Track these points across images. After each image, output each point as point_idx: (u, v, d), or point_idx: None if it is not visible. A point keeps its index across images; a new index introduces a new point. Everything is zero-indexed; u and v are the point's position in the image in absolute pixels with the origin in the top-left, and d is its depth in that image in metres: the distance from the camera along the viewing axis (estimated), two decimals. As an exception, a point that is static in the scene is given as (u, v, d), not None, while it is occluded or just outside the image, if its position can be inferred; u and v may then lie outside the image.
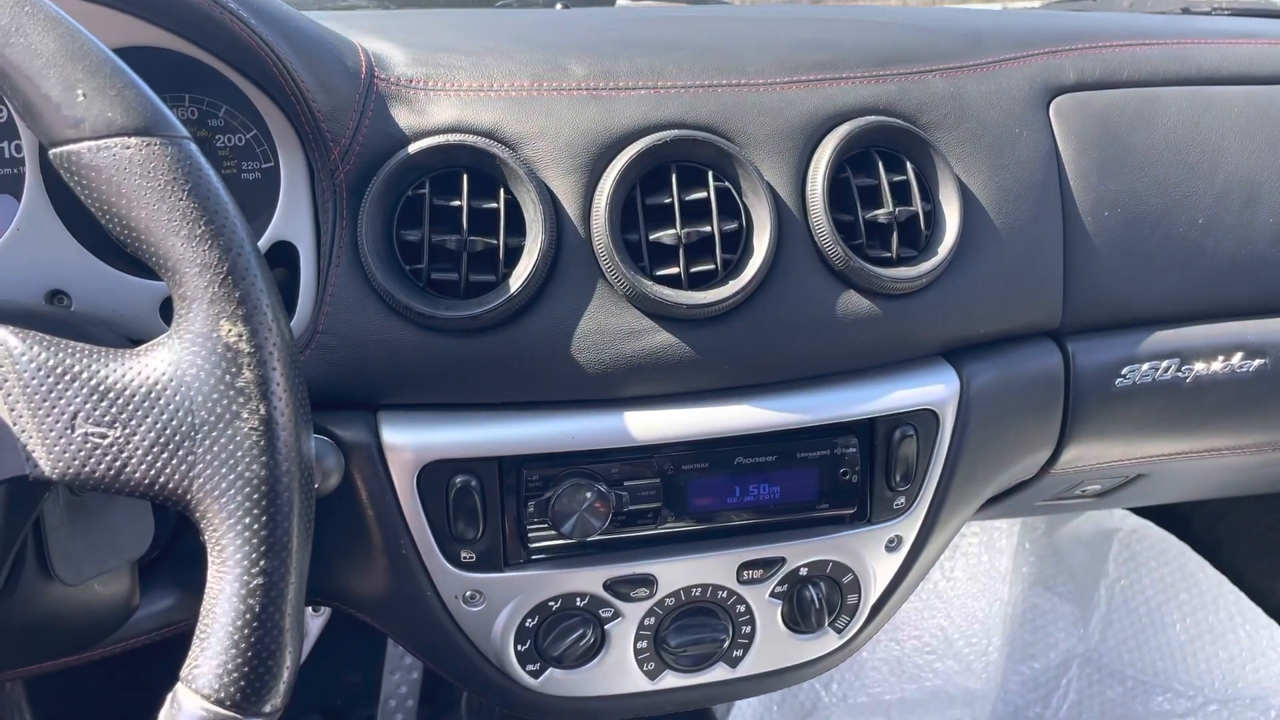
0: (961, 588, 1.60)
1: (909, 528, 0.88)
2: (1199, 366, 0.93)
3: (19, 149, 0.79)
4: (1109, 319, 0.91)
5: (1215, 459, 1.02)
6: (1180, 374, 0.93)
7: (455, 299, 0.75)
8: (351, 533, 0.79)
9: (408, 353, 0.75)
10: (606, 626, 0.84)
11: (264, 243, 0.78)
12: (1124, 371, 0.92)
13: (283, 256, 0.78)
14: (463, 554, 0.79)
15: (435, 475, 0.77)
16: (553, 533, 0.80)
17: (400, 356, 0.75)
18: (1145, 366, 0.92)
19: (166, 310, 0.77)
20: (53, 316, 0.68)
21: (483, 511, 0.78)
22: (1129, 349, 0.92)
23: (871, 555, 0.87)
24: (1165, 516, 1.55)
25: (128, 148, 0.48)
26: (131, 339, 0.75)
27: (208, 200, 0.49)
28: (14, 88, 0.48)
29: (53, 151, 0.49)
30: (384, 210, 0.75)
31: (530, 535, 0.80)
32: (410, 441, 0.76)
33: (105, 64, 0.49)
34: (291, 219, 0.77)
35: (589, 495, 0.78)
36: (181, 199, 0.48)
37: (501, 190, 0.76)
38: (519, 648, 0.84)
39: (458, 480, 0.77)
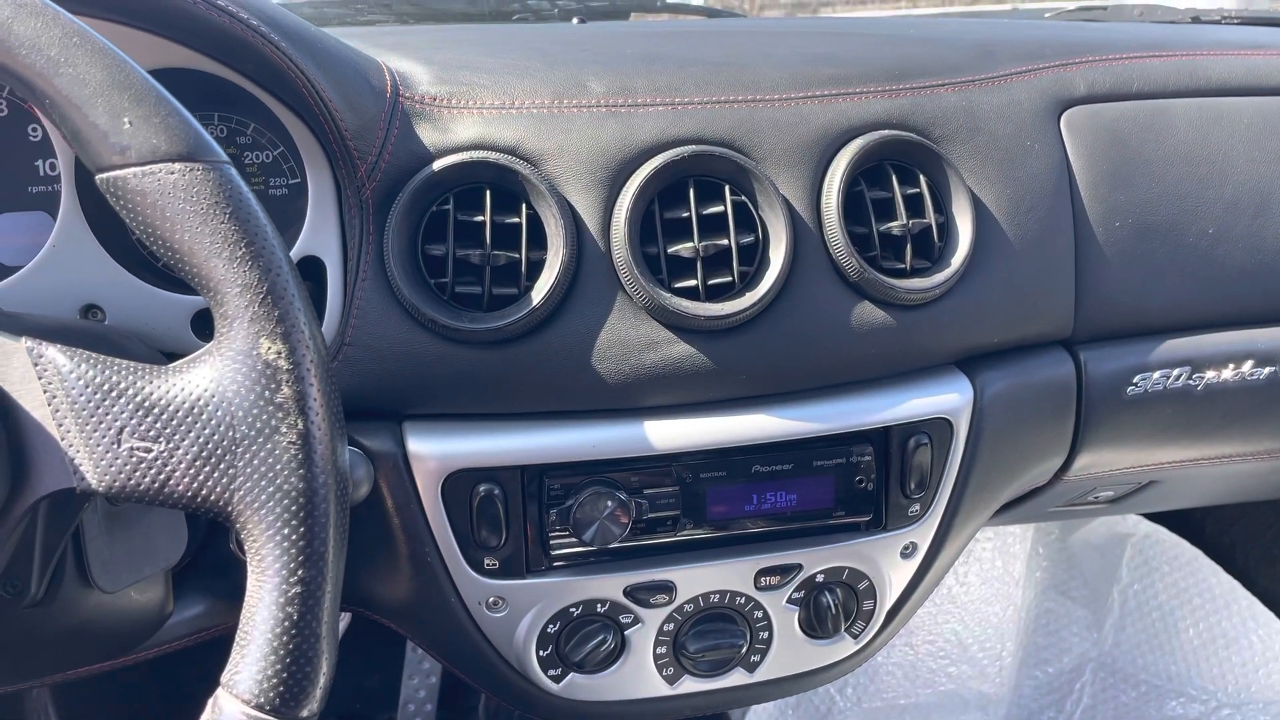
0: (975, 593, 1.61)
1: (924, 534, 0.89)
2: (1210, 374, 0.94)
3: (53, 167, 0.81)
4: (1120, 328, 0.92)
5: (1227, 465, 1.03)
6: (1191, 382, 0.94)
7: (479, 311, 0.76)
8: (377, 540, 0.81)
9: (432, 364, 0.77)
10: (626, 632, 0.86)
11: (292, 257, 0.79)
12: (1135, 380, 0.93)
13: (310, 270, 0.80)
14: (486, 561, 0.81)
15: (459, 484, 0.79)
16: (574, 540, 0.81)
17: (425, 368, 0.77)
18: (1157, 374, 0.93)
19: (198, 324, 0.79)
20: (90, 331, 0.70)
21: (505, 519, 0.80)
22: (1140, 357, 0.93)
23: (887, 562, 0.89)
24: (1178, 522, 1.56)
25: (172, 173, 0.50)
26: (164, 352, 0.78)
27: (248, 223, 0.51)
28: (63, 116, 0.50)
29: (99, 177, 0.51)
30: (409, 225, 0.77)
31: (552, 542, 0.81)
32: (435, 451, 0.78)
33: (150, 93, 0.51)
34: (319, 234, 0.79)
35: (609, 503, 0.80)
36: (223, 222, 0.50)
37: (523, 205, 0.77)
38: (541, 653, 0.85)
39: (481, 489, 0.79)
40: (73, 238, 0.78)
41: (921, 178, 0.84)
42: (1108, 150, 0.91)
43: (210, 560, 0.81)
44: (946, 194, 0.84)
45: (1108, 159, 0.91)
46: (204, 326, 0.80)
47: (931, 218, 0.83)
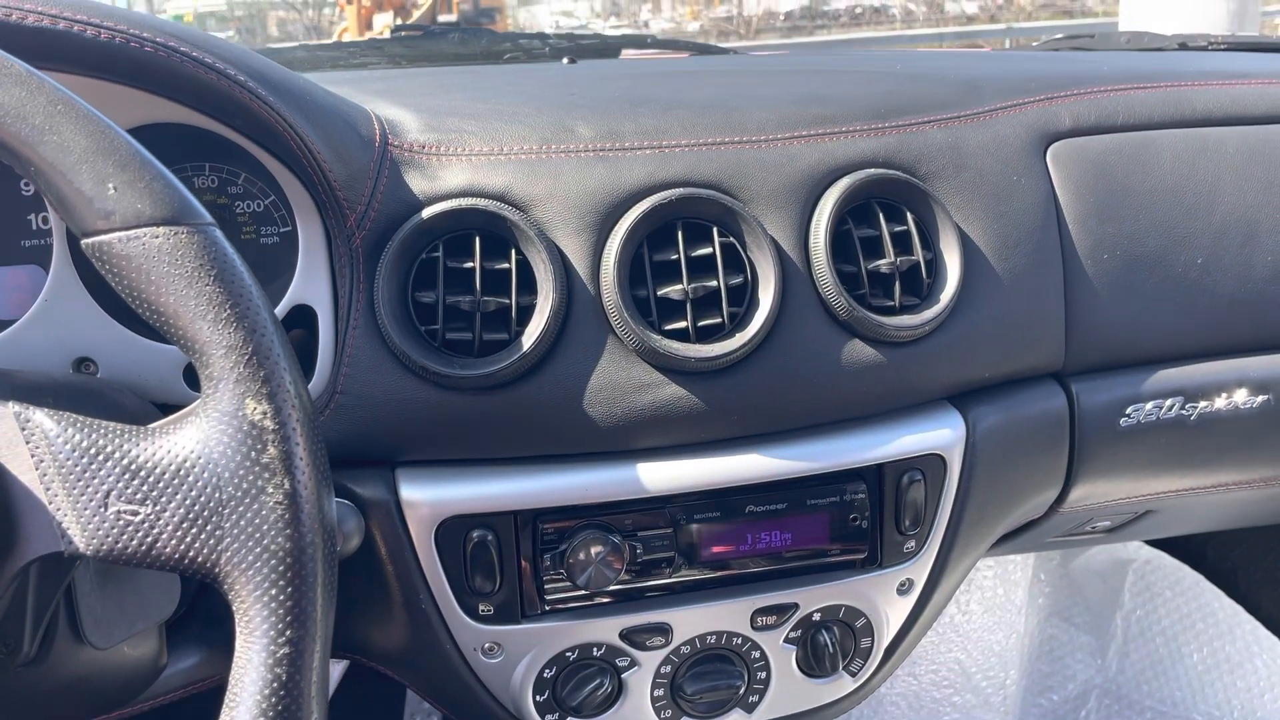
0: (977, 621, 1.60)
1: (920, 570, 0.89)
2: (1203, 404, 0.94)
3: (45, 221, 0.81)
4: (1112, 359, 0.93)
5: (1223, 494, 1.03)
6: (1184, 412, 0.94)
7: (470, 358, 0.77)
8: (371, 588, 0.81)
9: (424, 411, 0.77)
10: (623, 675, 0.85)
11: (283, 306, 0.80)
12: (1128, 411, 0.93)
13: (301, 319, 0.80)
14: (481, 607, 0.81)
15: (453, 530, 0.79)
16: (569, 584, 0.81)
17: (417, 414, 0.77)
18: (1149, 405, 0.93)
19: (190, 375, 0.80)
20: (82, 387, 0.70)
21: (499, 565, 0.80)
22: (1133, 388, 0.93)
23: (883, 598, 0.88)
24: (1179, 547, 1.56)
25: (156, 237, 0.50)
26: (156, 403, 0.78)
27: (232, 284, 0.51)
28: (48, 182, 0.50)
29: (85, 242, 0.51)
30: (399, 273, 0.77)
31: (547, 587, 0.81)
32: (428, 498, 0.78)
33: (134, 158, 0.51)
34: (310, 283, 0.80)
35: (603, 547, 0.80)
36: (208, 284, 0.50)
37: (513, 250, 0.78)
38: (537, 698, 0.85)
39: (474, 535, 0.79)
40: (65, 292, 0.78)
41: (909, 215, 0.84)
42: (1094, 183, 0.92)
43: (204, 611, 0.81)
44: (934, 230, 0.84)
45: (1094, 191, 0.92)
46: (196, 377, 0.80)
47: (919, 254, 0.83)
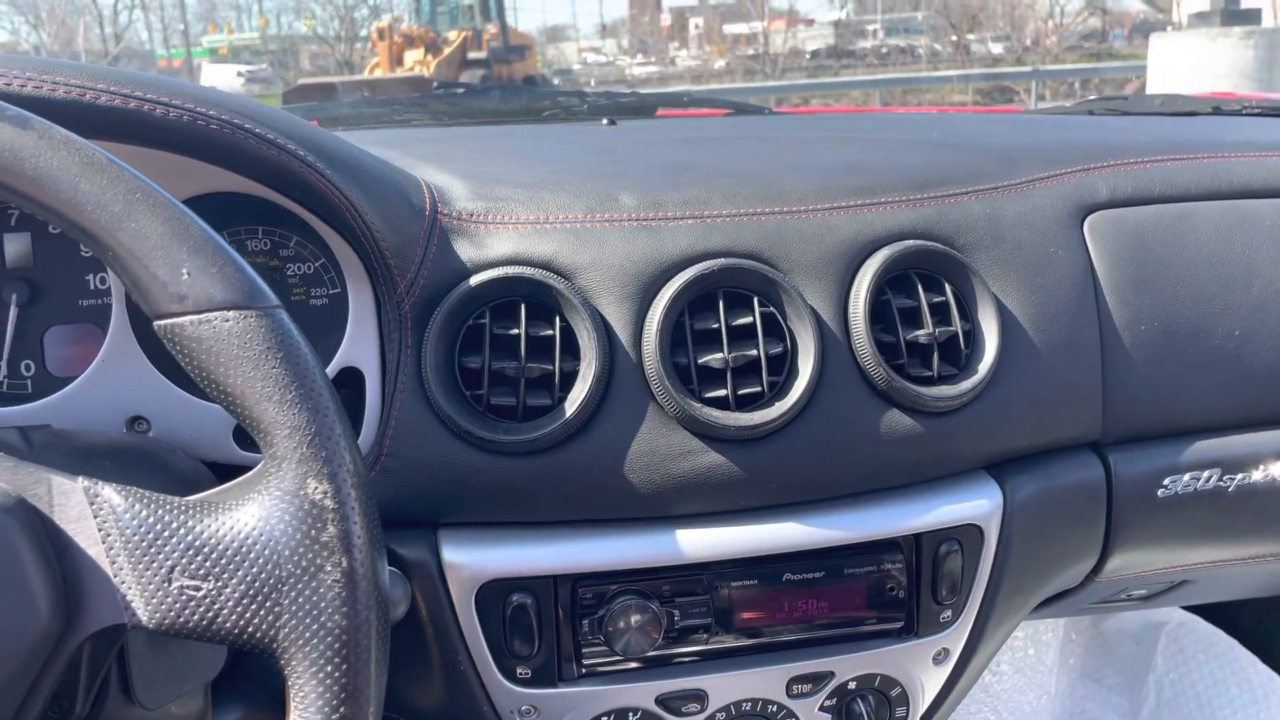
0: (1008, 682, 1.59)
1: (956, 640, 0.89)
2: (1240, 476, 0.94)
3: (103, 281, 0.84)
4: (1149, 429, 0.93)
5: (1261, 565, 1.02)
6: (1222, 483, 0.94)
7: (513, 422, 0.78)
8: (411, 648, 0.82)
9: (467, 474, 0.78)
10: (658, 740, 0.85)
11: (332, 368, 0.82)
12: (1165, 481, 0.93)
13: (349, 380, 0.82)
14: (519, 669, 0.81)
15: (493, 593, 0.79)
16: (606, 649, 0.82)
17: (460, 478, 0.78)
18: (1187, 476, 0.93)
19: (240, 434, 0.81)
20: (138, 449, 0.72)
21: (538, 628, 0.80)
22: (1170, 459, 0.93)
23: (919, 668, 0.88)
24: (1213, 610, 1.54)
25: (227, 320, 0.52)
26: (206, 461, 0.79)
27: (297, 366, 0.53)
28: (124, 266, 0.53)
29: (158, 324, 0.53)
30: (447, 339, 0.79)
31: (584, 652, 0.82)
32: (469, 561, 0.79)
33: (207, 244, 0.53)
34: (358, 346, 0.82)
35: (641, 615, 0.80)
36: (274, 366, 0.52)
37: (557, 317, 0.79)
38: (573, 761, 0.85)
39: (514, 598, 0.80)
40: (122, 353, 0.80)
41: (947, 285, 0.85)
42: (1132, 254, 0.92)
43: (247, 668, 0.82)
44: (972, 301, 0.85)
45: (1132, 263, 0.92)
46: (245, 436, 0.82)
47: (958, 325, 0.84)
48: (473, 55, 18.07)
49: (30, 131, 0.51)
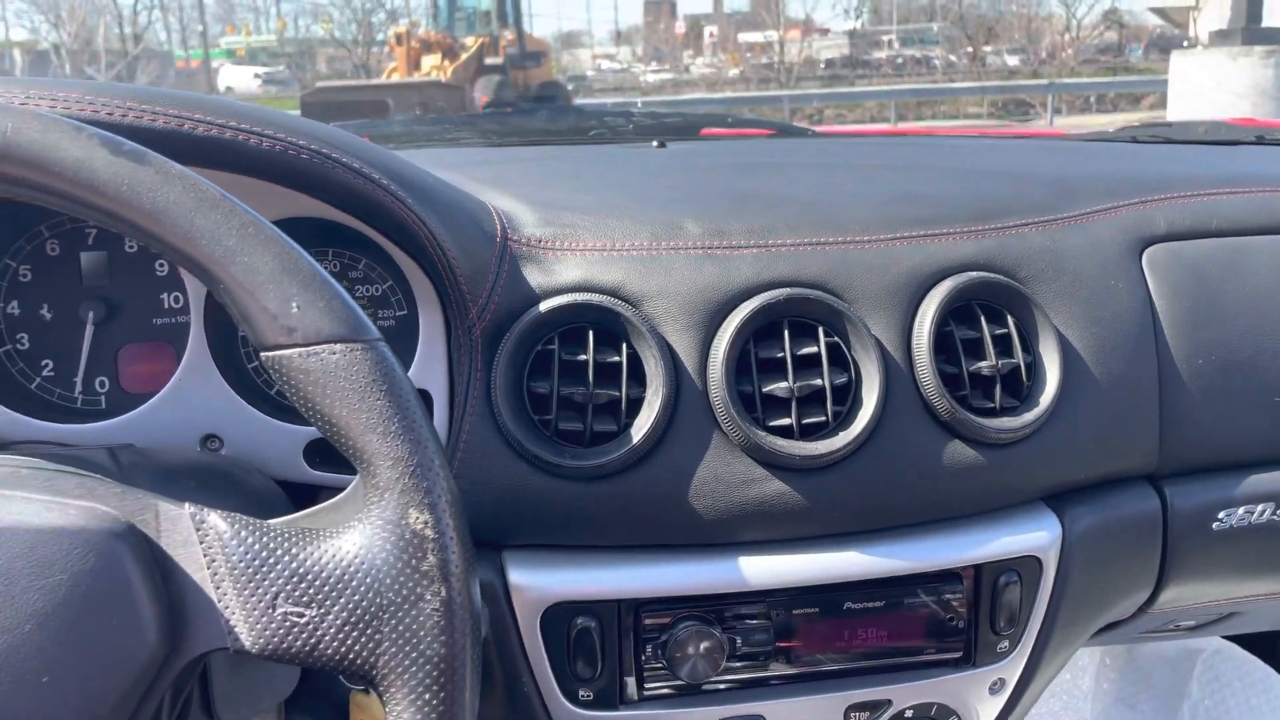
0: (1043, 706, 1.59)
1: (1012, 670, 0.89)
2: (1296, 510, 0.94)
3: (178, 300, 0.85)
4: (1205, 462, 0.93)
5: (1312, 598, 1.02)
6: (1276, 517, 0.94)
7: (580, 448, 0.79)
8: (474, 668, 0.83)
9: (534, 497, 0.79)
10: (717, 765, 0.86)
11: None
12: (1220, 514, 0.93)
13: (417, 403, 0.83)
14: (581, 692, 0.82)
15: (558, 616, 0.80)
16: (668, 673, 0.82)
17: (527, 500, 0.79)
18: (1241, 510, 0.94)
19: (310, 453, 0.83)
20: (217, 469, 0.73)
21: (601, 652, 0.81)
22: (1225, 492, 0.93)
23: (975, 697, 0.89)
24: (1249, 638, 1.54)
25: (334, 353, 0.53)
26: (278, 480, 0.81)
27: (399, 398, 0.54)
28: (234, 299, 0.54)
29: (265, 355, 0.54)
30: (516, 363, 0.80)
31: (645, 676, 0.83)
32: (535, 583, 0.80)
33: (315, 278, 0.54)
34: (428, 368, 0.83)
35: (704, 640, 0.81)
36: (379, 399, 0.53)
37: (624, 344, 0.80)
38: (631, 784, 0.86)
39: (579, 621, 0.80)
40: (197, 370, 0.81)
41: (1009, 318, 0.86)
42: (1190, 288, 0.93)
43: (314, 684, 0.83)
44: (1034, 334, 0.86)
45: (1190, 297, 0.93)
46: (315, 455, 0.83)
47: (1020, 357, 0.84)
48: (489, 61, 18.13)
49: (148, 166, 0.53)
